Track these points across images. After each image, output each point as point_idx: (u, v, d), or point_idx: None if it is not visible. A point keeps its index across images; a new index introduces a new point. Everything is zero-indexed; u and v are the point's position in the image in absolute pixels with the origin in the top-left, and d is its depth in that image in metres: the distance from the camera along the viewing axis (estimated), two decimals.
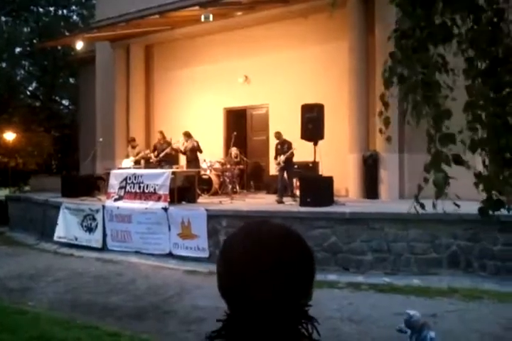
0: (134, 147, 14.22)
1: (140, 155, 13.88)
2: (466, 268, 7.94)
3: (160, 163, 12.80)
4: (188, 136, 12.91)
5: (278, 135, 11.51)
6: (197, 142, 12.79)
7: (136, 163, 13.56)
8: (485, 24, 2.76)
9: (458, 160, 2.71)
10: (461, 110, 2.79)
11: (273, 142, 13.12)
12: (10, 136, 18.98)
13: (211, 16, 11.97)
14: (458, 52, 2.82)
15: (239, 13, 13.36)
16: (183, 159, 13.71)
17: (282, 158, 11.09)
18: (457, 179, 2.73)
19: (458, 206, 2.93)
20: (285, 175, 11.28)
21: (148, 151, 14.05)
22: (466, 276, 7.83)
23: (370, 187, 11.54)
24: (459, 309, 6.54)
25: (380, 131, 3.14)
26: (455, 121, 2.76)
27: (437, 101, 2.75)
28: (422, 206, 2.89)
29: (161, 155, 13.15)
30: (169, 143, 13.25)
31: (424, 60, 2.78)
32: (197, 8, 11.98)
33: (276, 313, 1.00)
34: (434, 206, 2.77)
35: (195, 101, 15.60)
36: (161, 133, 13.61)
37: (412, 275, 8.05)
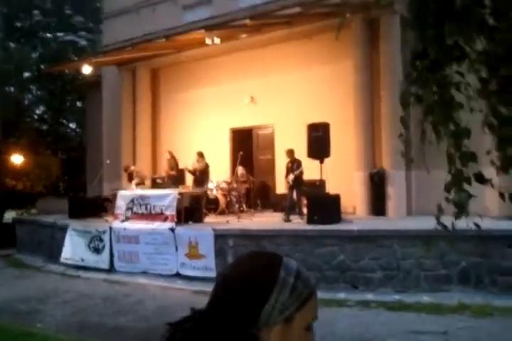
0: (130, 174, 14.18)
1: (138, 179, 13.88)
2: (477, 285, 7.85)
3: (167, 184, 12.81)
4: (201, 156, 13.02)
5: (290, 153, 11.44)
6: (207, 164, 12.94)
7: (138, 185, 13.58)
8: (498, 43, 2.77)
9: (480, 179, 2.66)
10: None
11: (279, 161, 13.18)
12: (18, 158, 19.12)
13: (217, 39, 12.12)
14: (470, 71, 2.81)
15: (244, 36, 13.52)
16: (189, 179, 13.74)
17: (291, 176, 11.08)
18: (477, 197, 2.68)
19: (478, 227, 2.87)
20: (294, 193, 11.26)
21: (147, 175, 14.13)
22: (477, 293, 7.73)
23: (378, 204, 11.51)
24: (470, 326, 6.46)
25: (402, 154, 3.11)
26: (478, 139, 2.73)
27: (456, 119, 2.73)
28: (444, 227, 2.84)
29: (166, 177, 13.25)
30: (177, 163, 13.34)
31: (440, 80, 2.78)
32: (202, 31, 12.14)
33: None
34: (453, 227, 2.72)
35: (202, 122, 15.70)
36: (170, 153, 13.69)
37: (422, 293, 7.97)
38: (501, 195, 2.76)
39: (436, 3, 2.78)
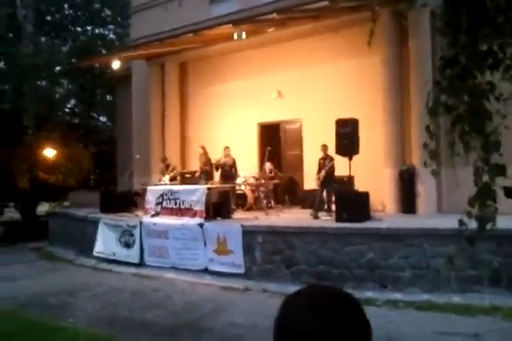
0: (167, 165, 14.34)
1: (174, 172, 14.00)
2: (509, 286, 7.70)
3: (200, 178, 12.89)
4: (228, 150, 13.06)
5: (324, 148, 11.33)
6: (234, 158, 12.97)
7: (172, 180, 13.67)
8: None
9: (509, 193, 2.57)
10: None
11: (307, 156, 13.12)
12: (49, 152, 19.41)
13: (244, 34, 12.08)
14: (505, 78, 2.71)
15: (271, 30, 13.44)
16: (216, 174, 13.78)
17: (322, 172, 11.00)
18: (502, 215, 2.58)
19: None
20: (324, 190, 11.19)
21: (178, 169, 14.25)
22: (509, 294, 7.58)
23: (407, 201, 11.37)
24: (502, 328, 6.34)
25: (425, 164, 3.01)
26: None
27: (486, 130, 2.64)
28: (471, 243, 2.76)
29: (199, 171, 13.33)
30: (209, 158, 13.40)
31: (471, 88, 2.69)
32: (230, 25, 12.11)
33: None
34: (472, 244, 2.65)
35: (229, 116, 15.72)
36: (202, 148, 13.75)
37: (451, 293, 7.84)
38: None
39: (470, 7, 2.70)
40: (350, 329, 1.05)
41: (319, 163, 11.33)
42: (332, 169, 11.00)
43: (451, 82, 2.74)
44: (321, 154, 11.37)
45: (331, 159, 11.06)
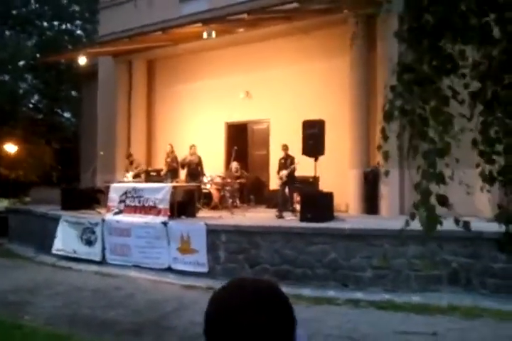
0: (131, 162, 14.24)
1: (139, 169, 13.91)
2: (467, 286, 7.89)
3: (166, 176, 12.85)
4: (194, 149, 13.03)
5: (285, 148, 11.48)
6: (200, 157, 12.95)
7: (136, 177, 13.58)
8: (500, 53, 2.74)
9: (443, 202, 2.64)
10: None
11: (273, 157, 13.15)
12: (11, 147, 19.03)
13: (213, 33, 12.07)
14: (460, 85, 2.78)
15: (241, 30, 13.46)
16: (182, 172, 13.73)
17: (285, 172, 11.10)
18: (445, 219, 2.65)
19: (468, 229, 2.84)
20: (286, 189, 11.30)
21: (143, 167, 14.14)
22: (467, 294, 7.77)
23: (371, 202, 11.55)
24: (459, 327, 6.48)
25: (378, 164, 3.10)
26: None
27: (431, 137, 2.71)
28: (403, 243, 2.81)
29: (166, 168, 13.25)
30: (175, 156, 13.35)
31: (426, 94, 2.74)
32: (200, 24, 12.08)
33: None
34: (424, 243, 2.71)
35: (197, 115, 15.68)
36: (171, 146, 13.69)
37: (411, 293, 7.99)
38: (499, 207, 2.76)
39: (432, 12, 2.75)
40: (279, 320, 1.10)
41: (280, 163, 11.44)
42: (294, 169, 11.11)
43: (407, 88, 2.80)
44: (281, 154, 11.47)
45: (293, 159, 11.18)
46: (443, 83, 2.80)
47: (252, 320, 1.06)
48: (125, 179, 13.37)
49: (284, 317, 1.11)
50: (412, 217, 2.67)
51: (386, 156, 2.90)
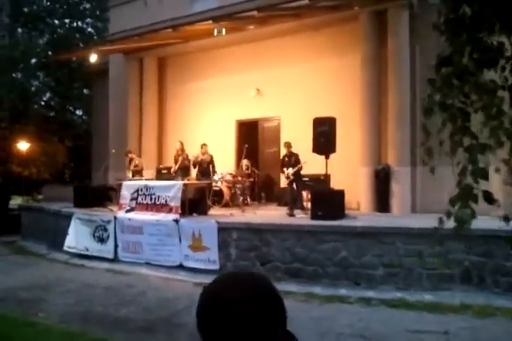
0: (130, 160, 14.28)
1: (136, 167, 13.98)
2: (479, 284, 7.84)
3: (176, 174, 12.90)
4: (206, 147, 13.04)
5: (288, 145, 11.51)
6: (212, 155, 12.97)
7: (134, 175, 13.67)
8: None
9: (489, 198, 2.60)
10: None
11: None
12: (24, 145, 19.12)
13: (224, 30, 12.06)
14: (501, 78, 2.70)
15: (251, 27, 13.44)
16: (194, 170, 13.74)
17: (291, 171, 11.10)
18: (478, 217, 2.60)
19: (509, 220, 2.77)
20: (294, 187, 11.29)
21: (139, 164, 14.18)
22: (479, 292, 7.72)
23: (382, 200, 11.51)
24: (471, 326, 6.45)
25: (424, 162, 3.01)
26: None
27: (473, 132, 2.65)
28: (440, 243, 2.78)
29: (177, 166, 13.26)
30: (187, 155, 13.38)
31: (467, 88, 2.69)
32: (210, 22, 12.07)
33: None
34: (440, 243, 2.66)
35: (208, 113, 15.69)
36: (181, 143, 13.68)
37: (423, 291, 7.96)
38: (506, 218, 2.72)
39: (472, 4, 2.67)
40: (276, 313, 1.13)
41: (283, 161, 11.44)
42: (301, 167, 11.11)
43: (447, 82, 2.73)
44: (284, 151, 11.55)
45: (297, 156, 11.19)
46: (483, 76, 2.73)
47: (252, 313, 1.08)
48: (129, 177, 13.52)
49: (279, 309, 1.13)
50: (448, 215, 2.62)
51: (430, 152, 2.84)
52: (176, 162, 13.57)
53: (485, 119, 2.67)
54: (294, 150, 11.51)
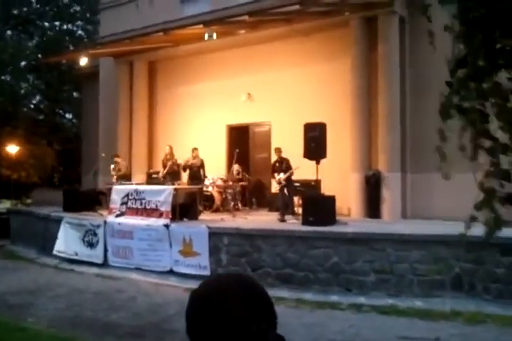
0: (116, 163, 14.23)
1: (119, 172, 13.96)
2: (470, 291, 7.87)
3: (165, 179, 12.85)
4: (197, 152, 12.98)
5: (278, 151, 11.52)
6: (202, 160, 12.92)
7: (117, 179, 13.63)
8: None
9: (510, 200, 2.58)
10: None
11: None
12: (13, 148, 19.02)
13: (215, 35, 12.07)
14: None
15: (242, 32, 13.45)
16: (184, 175, 13.70)
17: (283, 176, 11.10)
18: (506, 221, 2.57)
19: None
20: (286, 192, 11.29)
21: (123, 169, 14.14)
22: (470, 299, 7.75)
23: (373, 206, 11.53)
24: (462, 333, 6.48)
25: (439, 167, 2.94)
26: None
27: (493, 134, 2.62)
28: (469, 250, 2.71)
29: (165, 170, 13.19)
30: (176, 160, 13.31)
31: (484, 90, 2.64)
32: (201, 26, 12.07)
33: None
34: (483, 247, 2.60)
35: (198, 117, 15.66)
36: (170, 147, 13.59)
37: (414, 297, 7.99)
38: None
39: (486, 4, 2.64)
40: (269, 315, 1.13)
41: (274, 166, 11.44)
42: (292, 173, 11.13)
43: (464, 83, 2.68)
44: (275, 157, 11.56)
45: (288, 161, 11.20)
46: (500, 77, 2.69)
47: (242, 315, 1.08)
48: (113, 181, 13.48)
49: (269, 311, 1.14)
50: (473, 219, 2.58)
51: (445, 157, 2.80)
52: (164, 166, 13.48)
53: (503, 124, 2.64)
54: (284, 155, 11.52)
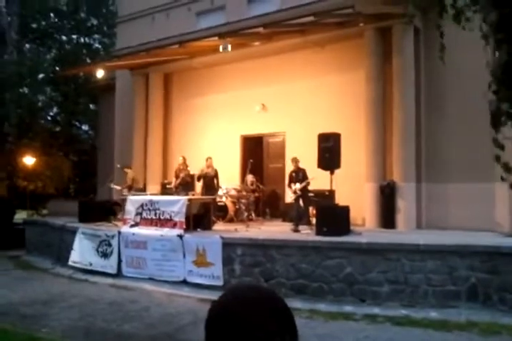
0: (125, 173, 14.35)
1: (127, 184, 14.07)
2: (485, 302, 7.77)
3: (177, 189, 12.89)
4: (211, 162, 12.98)
5: (295, 161, 11.46)
6: (217, 170, 12.94)
7: (123, 189, 13.74)
8: None
9: None
10: None
11: (289, 170, 13.14)
12: (30, 160, 19.23)
13: (229, 47, 12.15)
14: None
15: (257, 43, 13.54)
16: (198, 185, 13.72)
17: (298, 186, 11.06)
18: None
19: None
20: (301, 203, 11.25)
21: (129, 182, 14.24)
22: (485, 310, 7.65)
23: (387, 216, 11.45)
24: None
25: (502, 178, 2.84)
26: None
27: None
28: None
29: (178, 181, 13.21)
30: (189, 171, 13.34)
31: None
32: (216, 38, 12.17)
33: None
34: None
35: (213, 128, 15.74)
36: (184, 158, 13.63)
37: (429, 308, 7.89)
38: None
39: None
40: (290, 329, 1.14)
41: (290, 176, 11.39)
42: (309, 183, 11.09)
43: (510, 89, 2.62)
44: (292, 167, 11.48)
45: (304, 171, 11.15)
46: None
47: (262, 326, 1.08)
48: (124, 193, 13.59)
49: (290, 323, 1.14)
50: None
51: (507, 167, 2.72)
52: (176, 176, 13.53)
53: None
54: (299, 165, 11.50)
